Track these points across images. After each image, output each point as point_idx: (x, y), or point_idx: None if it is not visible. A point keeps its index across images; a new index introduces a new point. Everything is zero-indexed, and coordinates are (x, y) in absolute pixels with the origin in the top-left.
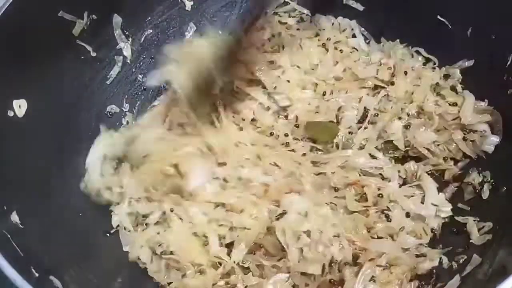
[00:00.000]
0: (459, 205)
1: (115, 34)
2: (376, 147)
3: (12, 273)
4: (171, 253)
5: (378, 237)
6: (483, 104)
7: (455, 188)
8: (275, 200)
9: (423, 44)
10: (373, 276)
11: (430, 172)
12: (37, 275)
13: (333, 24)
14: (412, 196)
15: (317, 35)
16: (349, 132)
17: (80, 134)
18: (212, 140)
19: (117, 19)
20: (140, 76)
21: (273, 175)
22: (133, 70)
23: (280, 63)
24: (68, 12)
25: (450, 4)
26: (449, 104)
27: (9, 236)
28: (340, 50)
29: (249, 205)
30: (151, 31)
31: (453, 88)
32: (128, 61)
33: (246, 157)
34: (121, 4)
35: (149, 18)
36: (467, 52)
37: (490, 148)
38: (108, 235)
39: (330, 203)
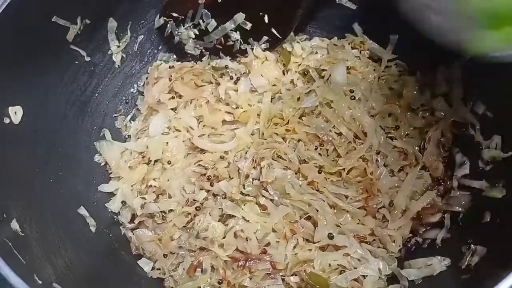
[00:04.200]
0: None
1: (109, 38)
2: None
3: (17, 281)
4: None
5: None
6: None
7: None
8: None
9: (417, 40)
10: None
11: None
12: (40, 282)
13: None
14: None
15: None
16: None
17: (77, 139)
18: None
19: (112, 23)
20: (134, 79)
21: None
22: (127, 73)
23: None
24: (62, 17)
25: None
26: None
27: (10, 244)
28: None
29: None
30: (144, 34)
31: None
32: (122, 64)
33: None
34: (114, 8)
35: (142, 21)
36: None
37: None
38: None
39: None
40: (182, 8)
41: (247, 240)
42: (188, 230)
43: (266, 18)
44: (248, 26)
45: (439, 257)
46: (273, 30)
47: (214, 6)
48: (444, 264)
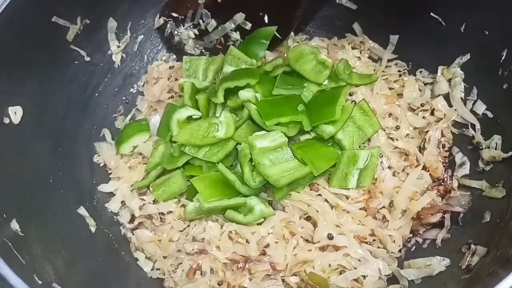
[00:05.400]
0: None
1: (109, 38)
2: None
3: (17, 281)
4: None
5: None
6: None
7: None
8: None
9: (417, 41)
10: None
11: None
12: (40, 282)
13: None
14: None
15: None
16: None
17: (77, 139)
18: None
19: (112, 23)
20: (134, 79)
21: None
22: (127, 73)
23: None
24: (62, 17)
25: (442, 0)
26: None
27: (10, 244)
28: None
29: None
30: (144, 34)
31: None
32: (122, 64)
33: None
34: (114, 8)
35: (142, 21)
36: (461, 49)
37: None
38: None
39: None
40: (182, 8)
41: (247, 242)
42: (186, 236)
43: (266, 18)
44: (248, 26)
45: (438, 257)
46: None
47: (214, 6)
48: (444, 264)
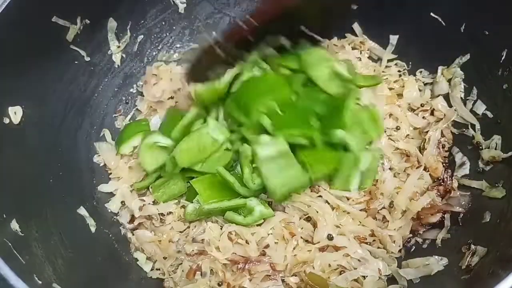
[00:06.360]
0: None
1: (109, 38)
2: None
3: (17, 281)
4: None
5: None
6: None
7: None
8: None
9: (417, 41)
10: None
11: None
12: (40, 282)
13: None
14: None
15: None
16: None
17: (77, 139)
18: None
19: (112, 23)
20: (134, 79)
21: None
22: (127, 73)
23: None
24: (62, 17)
25: (442, 0)
26: None
27: (10, 244)
28: None
29: None
30: (144, 34)
31: None
32: (122, 64)
33: None
34: (114, 8)
35: (142, 21)
36: (461, 49)
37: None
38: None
39: None
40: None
41: (247, 243)
42: (185, 237)
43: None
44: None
45: (436, 257)
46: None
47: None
48: (442, 264)
